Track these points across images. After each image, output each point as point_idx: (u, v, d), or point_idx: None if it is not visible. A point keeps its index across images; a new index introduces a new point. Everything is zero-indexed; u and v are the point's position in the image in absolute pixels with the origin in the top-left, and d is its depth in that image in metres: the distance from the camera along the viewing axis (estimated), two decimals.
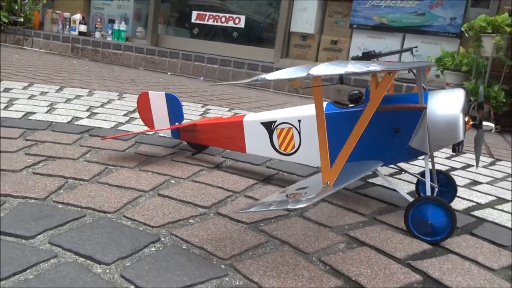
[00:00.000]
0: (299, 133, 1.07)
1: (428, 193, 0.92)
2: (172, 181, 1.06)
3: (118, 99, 2.14)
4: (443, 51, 3.26)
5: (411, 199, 0.91)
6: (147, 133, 1.36)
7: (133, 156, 1.21)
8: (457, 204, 1.13)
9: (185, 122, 1.27)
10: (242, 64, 3.82)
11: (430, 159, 0.97)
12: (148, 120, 1.33)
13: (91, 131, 1.43)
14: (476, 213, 1.13)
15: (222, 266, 0.68)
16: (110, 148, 1.26)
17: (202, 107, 2.19)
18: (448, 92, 0.96)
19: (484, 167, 1.64)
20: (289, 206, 0.66)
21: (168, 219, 0.82)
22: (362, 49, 3.71)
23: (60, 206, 0.83)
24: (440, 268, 0.78)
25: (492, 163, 1.76)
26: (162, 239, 0.75)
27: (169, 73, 3.99)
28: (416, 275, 0.74)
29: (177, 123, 1.27)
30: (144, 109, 1.32)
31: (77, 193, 0.89)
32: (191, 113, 1.93)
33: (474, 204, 1.21)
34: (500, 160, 1.85)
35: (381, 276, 0.72)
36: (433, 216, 0.88)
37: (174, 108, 1.27)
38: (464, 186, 1.33)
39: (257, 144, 1.14)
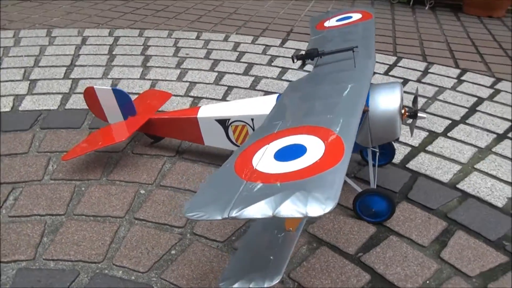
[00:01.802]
0: (253, 129, 1.14)
1: (373, 185, 1.06)
2: (142, 191, 1.14)
3: (50, 42, 2.02)
4: None
5: (359, 189, 1.06)
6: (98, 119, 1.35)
7: (95, 158, 1.25)
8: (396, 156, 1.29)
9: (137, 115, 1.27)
10: None
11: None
12: (100, 114, 1.32)
13: (41, 121, 1.41)
14: (411, 164, 1.30)
15: None
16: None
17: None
18: (386, 90, 1.03)
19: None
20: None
21: (154, 258, 0.93)
22: None
23: (52, 264, 0.91)
24: (383, 259, 0.96)
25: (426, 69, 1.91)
26: (154, 286, 0.87)
27: None
28: (366, 275, 0.93)
29: (130, 117, 1.28)
30: (93, 104, 1.31)
31: (62, 240, 0.97)
32: None
33: (410, 149, 1.38)
34: (433, 64, 2.00)
35: (339, 284, 0.90)
36: (377, 205, 1.04)
37: (124, 102, 1.27)
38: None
39: (214, 138, 1.21)
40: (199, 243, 0.98)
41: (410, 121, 1.11)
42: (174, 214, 1.06)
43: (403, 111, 1.04)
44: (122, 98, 1.26)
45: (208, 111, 1.19)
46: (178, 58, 2.01)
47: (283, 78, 1.86)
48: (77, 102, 1.57)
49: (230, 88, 1.74)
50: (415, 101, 1.06)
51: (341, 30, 1.30)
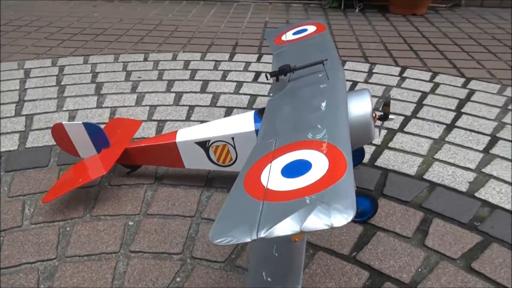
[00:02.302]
0: (234, 147, 1.17)
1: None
2: (130, 223, 1.13)
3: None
4: None
5: None
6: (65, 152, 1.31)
7: (72, 195, 1.21)
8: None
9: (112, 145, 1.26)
10: None
11: None
12: (71, 149, 1.29)
13: (4, 164, 1.35)
14: (379, 162, 1.39)
15: None
16: (41, 190, 1.23)
17: None
18: (358, 97, 1.10)
19: None
20: None
21: None
22: None
23: None
24: (376, 255, 1.03)
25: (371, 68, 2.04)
26: None
27: None
28: (364, 272, 0.99)
29: (103, 149, 1.26)
30: (63, 141, 1.27)
31: (61, 286, 0.94)
32: None
33: (374, 148, 1.47)
34: (375, 64, 2.13)
35: (343, 284, 0.95)
36: (361, 205, 1.11)
37: (97, 135, 1.25)
38: None
39: (195, 160, 1.22)
40: (201, 266, 0.99)
41: (379, 123, 1.19)
42: (170, 241, 1.06)
43: (374, 115, 1.12)
44: (94, 131, 1.24)
45: (186, 134, 1.20)
46: (131, 82, 1.99)
47: (240, 92, 1.90)
48: (37, 139, 1.51)
49: (191, 107, 1.76)
50: (386, 104, 1.14)
51: (301, 43, 1.36)
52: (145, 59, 2.28)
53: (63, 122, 1.24)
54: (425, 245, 1.06)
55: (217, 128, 1.18)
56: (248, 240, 0.64)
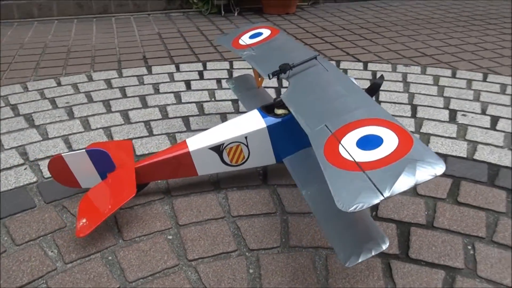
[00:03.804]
0: (247, 146, 1.27)
1: None
2: (169, 237, 1.14)
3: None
4: None
5: None
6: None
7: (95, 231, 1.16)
8: None
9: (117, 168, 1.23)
10: None
11: None
12: (71, 182, 1.23)
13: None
14: None
15: None
16: (50, 230, 1.15)
17: None
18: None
19: None
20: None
21: (244, 284, 1.00)
22: None
23: None
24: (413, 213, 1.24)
25: None
26: None
27: None
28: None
29: (109, 173, 1.24)
30: (61, 174, 1.21)
31: None
32: None
33: None
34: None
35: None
36: None
37: (101, 161, 1.21)
38: None
39: (208, 166, 1.27)
40: (264, 255, 1.08)
41: None
42: (220, 243, 1.11)
43: None
44: (97, 157, 1.20)
45: (198, 142, 1.25)
46: (63, 109, 1.88)
47: (183, 101, 1.95)
48: (3, 183, 1.37)
49: (146, 122, 1.76)
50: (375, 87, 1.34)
51: (268, 44, 1.49)
52: (59, 84, 2.15)
53: (62, 154, 1.17)
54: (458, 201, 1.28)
55: (229, 130, 1.25)
56: (378, 201, 0.77)
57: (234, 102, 1.94)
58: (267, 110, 1.29)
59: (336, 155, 0.90)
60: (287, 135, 1.26)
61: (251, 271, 1.03)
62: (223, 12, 3.59)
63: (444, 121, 1.76)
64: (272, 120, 1.25)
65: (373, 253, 0.90)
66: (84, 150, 1.18)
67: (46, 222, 1.18)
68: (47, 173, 1.40)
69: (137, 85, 2.13)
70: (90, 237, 1.12)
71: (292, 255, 1.08)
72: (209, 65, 2.42)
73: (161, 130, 1.69)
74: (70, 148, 1.56)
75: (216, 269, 1.03)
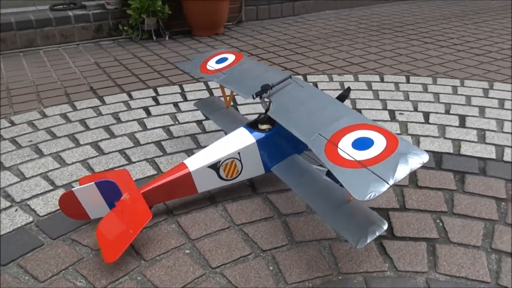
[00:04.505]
0: (240, 161, 1.42)
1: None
2: (187, 251, 1.26)
3: None
4: None
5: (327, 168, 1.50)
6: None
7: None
8: None
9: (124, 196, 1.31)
10: None
11: None
12: (81, 215, 1.29)
13: None
14: None
15: None
16: (69, 263, 1.21)
17: None
18: None
19: None
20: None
21: (282, 279, 1.15)
22: None
23: None
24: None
25: None
26: None
27: None
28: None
29: (116, 201, 1.31)
30: (72, 209, 1.26)
31: None
32: None
33: None
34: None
35: None
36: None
37: (109, 191, 1.28)
38: None
39: (207, 183, 1.40)
40: (278, 252, 1.23)
41: None
42: (235, 249, 1.23)
43: None
44: (105, 187, 1.27)
45: (196, 162, 1.37)
46: (28, 148, 1.88)
47: (149, 127, 2.04)
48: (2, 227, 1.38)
49: (120, 151, 1.82)
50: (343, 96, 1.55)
51: (237, 68, 1.65)
52: (13, 123, 2.13)
53: (73, 189, 1.23)
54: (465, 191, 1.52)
55: (223, 148, 1.39)
56: (386, 188, 0.97)
57: (199, 123, 2.07)
58: (251, 126, 1.45)
59: (338, 157, 1.09)
60: (273, 147, 1.43)
61: (270, 268, 1.17)
62: (154, 37, 3.67)
63: (387, 120, 2.04)
64: (259, 135, 1.41)
65: (377, 234, 1.10)
66: (93, 183, 1.24)
67: (62, 257, 1.23)
68: (41, 211, 1.43)
69: (95, 116, 2.17)
70: (106, 265, 1.18)
71: (301, 249, 1.24)
72: (160, 90, 2.51)
73: (139, 157, 1.77)
74: (53, 185, 1.58)
75: (240, 271, 1.16)
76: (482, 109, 2.15)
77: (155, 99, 2.38)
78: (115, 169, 1.59)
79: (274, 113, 1.36)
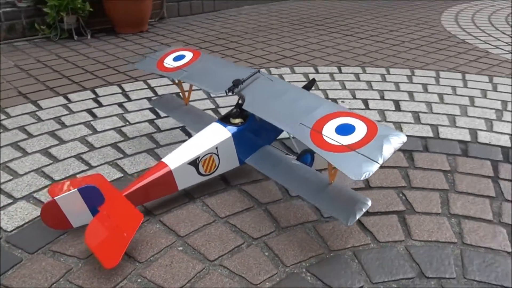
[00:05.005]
0: (218, 155, 1.45)
1: (297, 150, 1.61)
2: (180, 248, 1.27)
3: None
4: None
5: (298, 150, 1.58)
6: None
7: (92, 262, 1.20)
8: None
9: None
10: None
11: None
12: (63, 224, 1.24)
13: None
14: None
15: None
16: (60, 276, 1.15)
17: None
18: None
19: None
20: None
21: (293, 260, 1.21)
22: None
23: None
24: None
25: None
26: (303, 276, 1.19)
27: None
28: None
29: (99, 207, 1.29)
30: (54, 219, 1.21)
31: None
32: None
33: None
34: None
35: None
36: (305, 158, 1.60)
37: (91, 197, 1.25)
38: None
39: (186, 180, 1.41)
40: (268, 240, 1.29)
41: None
42: (227, 239, 1.27)
43: None
44: (88, 194, 1.22)
45: (176, 159, 1.37)
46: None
47: (99, 130, 1.98)
48: None
49: (76, 157, 1.75)
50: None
51: (198, 65, 1.67)
52: None
53: (55, 198, 1.19)
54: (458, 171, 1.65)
55: (201, 143, 1.41)
56: (377, 167, 1.08)
57: (151, 122, 2.04)
58: (224, 121, 1.48)
59: (325, 144, 1.17)
60: (246, 140, 1.48)
61: (266, 253, 1.23)
62: (76, 37, 3.50)
63: None
64: (234, 129, 1.45)
65: (363, 210, 1.21)
66: (76, 189, 1.20)
67: (48, 270, 1.17)
68: (7, 227, 1.34)
69: (35, 122, 2.04)
70: (106, 269, 1.16)
71: (289, 233, 1.31)
72: (99, 91, 2.42)
73: (99, 161, 1.71)
74: (11, 197, 1.49)
75: (239, 261, 1.21)
76: (410, 93, 2.38)
77: (96, 100, 2.29)
78: (89, 175, 1.52)
79: (249, 106, 1.40)
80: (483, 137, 1.89)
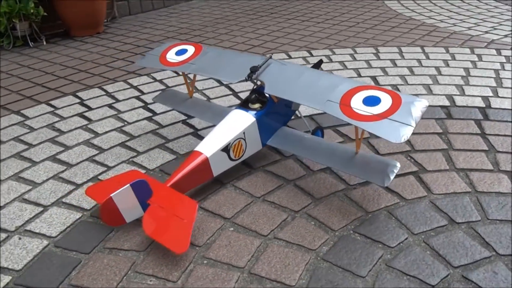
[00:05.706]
0: (245, 140, 1.54)
1: (308, 128, 1.73)
2: (231, 228, 1.35)
3: None
4: None
5: (310, 128, 1.70)
6: None
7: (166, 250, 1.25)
8: None
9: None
10: None
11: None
12: (117, 221, 1.27)
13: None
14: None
15: None
16: (135, 263, 1.19)
17: None
18: None
19: None
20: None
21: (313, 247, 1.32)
22: None
23: None
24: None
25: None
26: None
27: None
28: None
29: (148, 200, 1.32)
30: (111, 216, 1.24)
31: None
32: None
33: None
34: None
35: None
36: (317, 133, 1.72)
37: (142, 191, 1.28)
38: None
39: (220, 165, 1.47)
40: (311, 211, 1.40)
41: None
42: (271, 214, 1.36)
43: None
44: (139, 188, 1.26)
45: (209, 147, 1.42)
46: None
47: (100, 132, 1.98)
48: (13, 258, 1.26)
49: (88, 159, 1.76)
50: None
51: (204, 57, 1.72)
52: None
53: (111, 195, 1.22)
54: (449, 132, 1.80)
55: (229, 130, 1.47)
56: (412, 129, 1.21)
57: (149, 119, 2.07)
58: (244, 106, 1.56)
59: (357, 115, 1.29)
60: (267, 123, 1.57)
61: (312, 223, 1.34)
62: (31, 43, 3.36)
63: None
64: (256, 113, 1.54)
65: (395, 171, 1.35)
66: (128, 185, 1.23)
67: (113, 266, 1.21)
68: (51, 233, 1.34)
69: (29, 132, 2.00)
70: (170, 257, 1.21)
71: (326, 203, 1.42)
72: (82, 95, 2.39)
73: (114, 161, 1.73)
74: (40, 206, 1.48)
75: (292, 232, 1.30)
76: (383, 69, 2.57)
77: (83, 104, 2.27)
78: (123, 172, 1.52)
79: (271, 90, 1.49)
80: (459, 101, 2.10)
